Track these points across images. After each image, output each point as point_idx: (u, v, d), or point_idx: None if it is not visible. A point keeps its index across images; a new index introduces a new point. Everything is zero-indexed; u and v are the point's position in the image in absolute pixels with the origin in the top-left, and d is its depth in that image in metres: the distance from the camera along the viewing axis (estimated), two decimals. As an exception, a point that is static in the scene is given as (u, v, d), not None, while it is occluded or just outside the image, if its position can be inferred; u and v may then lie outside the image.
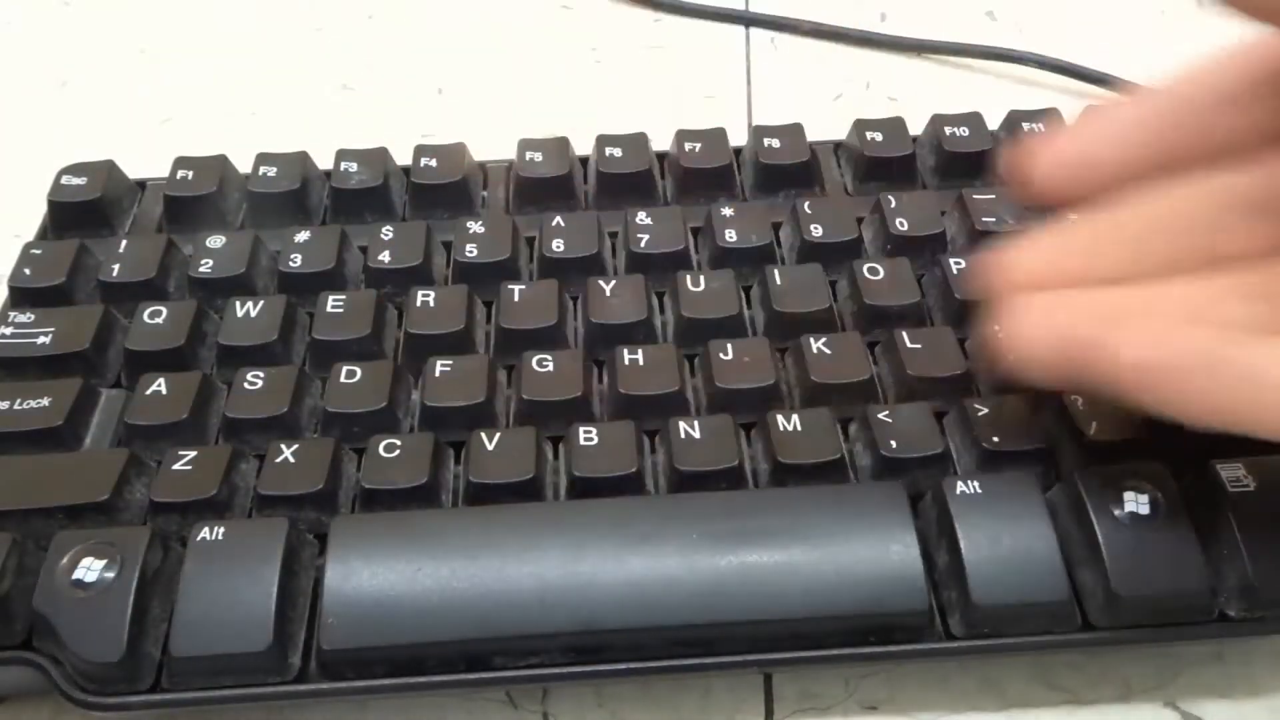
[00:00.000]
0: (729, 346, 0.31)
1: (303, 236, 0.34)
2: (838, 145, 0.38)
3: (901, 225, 0.34)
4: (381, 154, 0.37)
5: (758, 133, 0.37)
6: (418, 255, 0.33)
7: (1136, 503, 0.26)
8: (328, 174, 0.36)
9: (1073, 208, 0.25)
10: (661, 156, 0.37)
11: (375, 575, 0.26)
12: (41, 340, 0.31)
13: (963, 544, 0.26)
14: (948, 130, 0.36)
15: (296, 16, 0.50)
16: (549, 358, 0.30)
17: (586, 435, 0.29)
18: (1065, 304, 0.24)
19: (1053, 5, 0.49)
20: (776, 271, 0.32)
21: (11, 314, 0.32)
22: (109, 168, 0.36)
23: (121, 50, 0.49)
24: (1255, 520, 0.26)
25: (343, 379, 0.30)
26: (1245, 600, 0.26)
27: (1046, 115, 0.37)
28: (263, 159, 0.36)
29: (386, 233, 0.34)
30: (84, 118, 0.46)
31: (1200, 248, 0.23)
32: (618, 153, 0.36)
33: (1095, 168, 0.24)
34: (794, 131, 0.37)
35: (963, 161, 0.36)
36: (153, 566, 0.26)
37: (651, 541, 0.26)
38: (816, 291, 0.32)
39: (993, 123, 0.37)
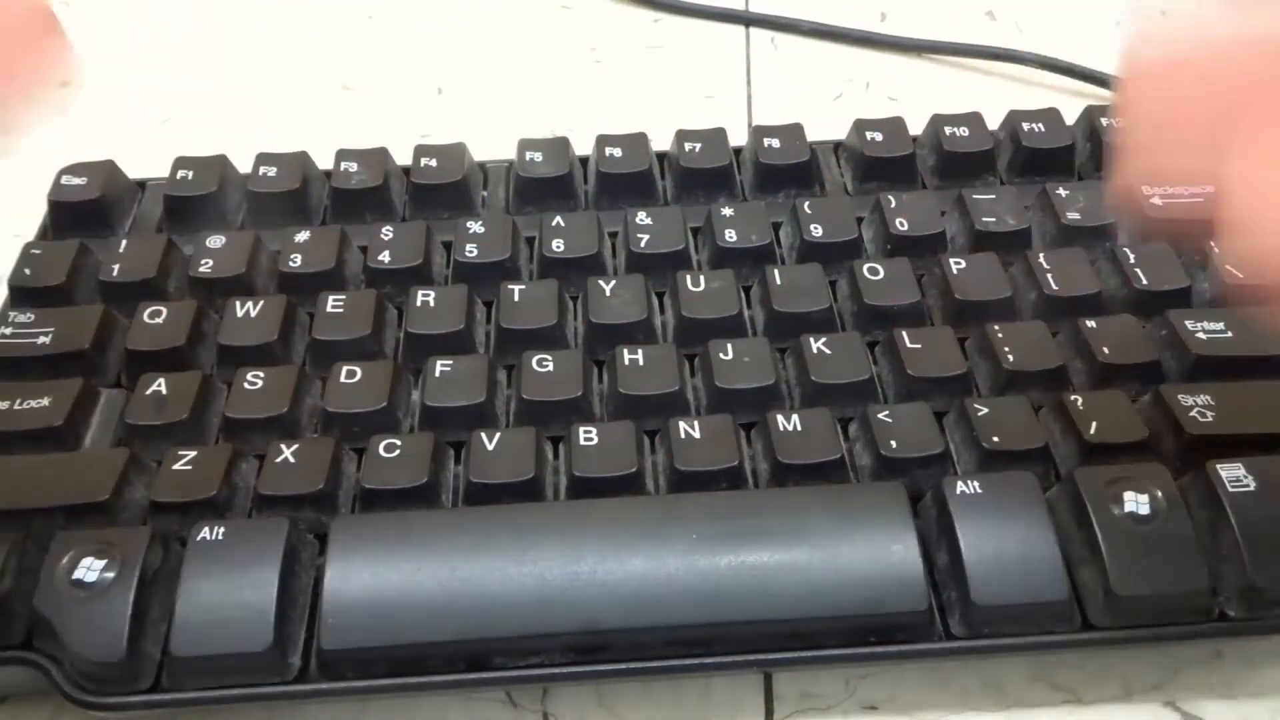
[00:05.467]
0: (729, 346, 0.31)
1: (303, 236, 0.34)
2: (838, 145, 0.38)
3: (901, 225, 0.34)
4: (381, 154, 0.37)
5: (758, 133, 0.37)
6: (418, 255, 0.33)
7: (1136, 503, 0.26)
8: (328, 174, 0.36)
9: None
10: (661, 156, 0.37)
11: (375, 575, 0.26)
12: (41, 340, 0.31)
13: (963, 544, 0.26)
14: (948, 130, 0.36)
15: (296, 16, 0.50)
16: (549, 358, 0.30)
17: (586, 435, 0.29)
18: None
19: (1053, 5, 0.49)
20: (776, 271, 0.32)
21: (11, 314, 0.32)
22: (109, 168, 0.36)
23: (121, 50, 0.49)
24: (1255, 520, 0.26)
25: (343, 379, 0.30)
26: (1245, 600, 0.26)
27: (1046, 115, 0.37)
28: (263, 159, 0.36)
29: (386, 233, 0.34)
30: (84, 118, 0.46)
31: None
32: (618, 153, 0.36)
33: None
34: (794, 131, 0.37)
35: (963, 161, 0.36)
36: (153, 566, 0.26)
37: (651, 541, 0.26)
38: (817, 291, 0.32)
39: (993, 123, 0.37)
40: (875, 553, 0.26)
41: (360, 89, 0.47)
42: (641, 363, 0.30)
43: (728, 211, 0.34)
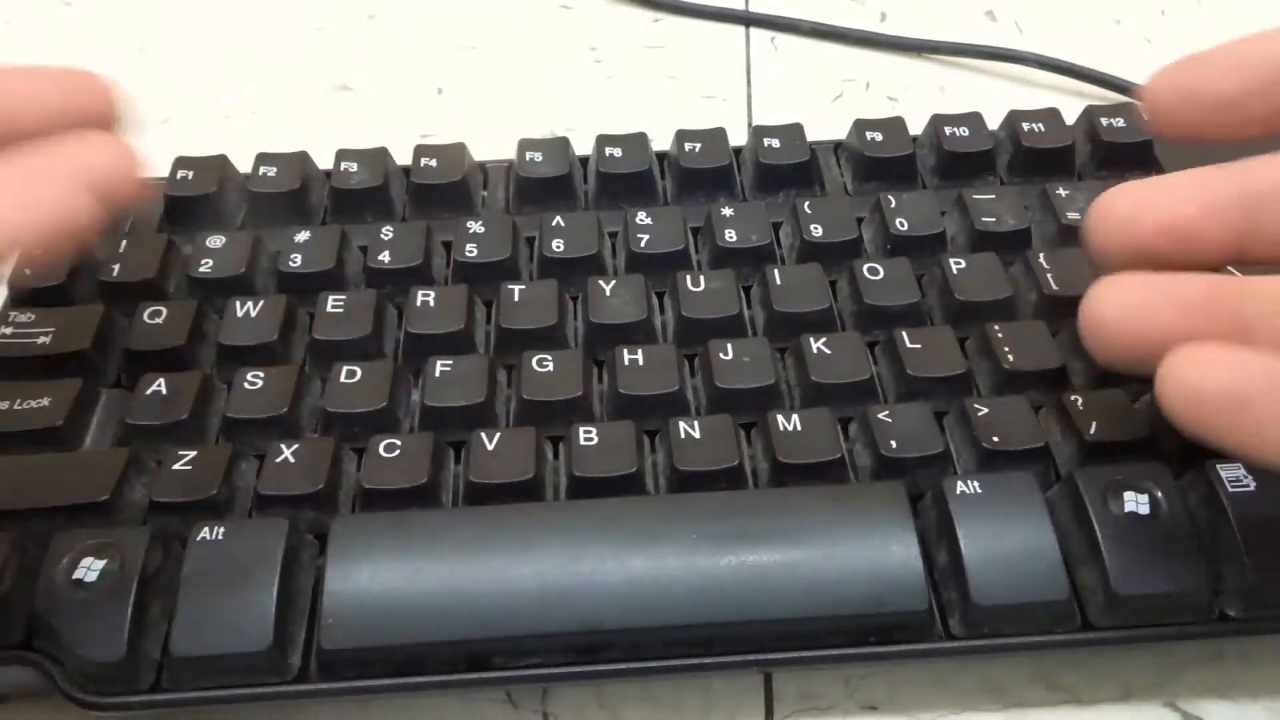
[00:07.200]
0: (729, 346, 0.31)
1: (303, 236, 0.34)
2: (838, 145, 0.38)
3: (901, 225, 0.34)
4: (381, 154, 0.37)
5: (758, 133, 0.37)
6: (418, 255, 0.33)
7: (1136, 503, 0.26)
8: (328, 174, 0.36)
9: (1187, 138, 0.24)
10: (661, 156, 0.37)
11: (375, 575, 0.26)
12: (41, 340, 0.31)
13: (963, 544, 0.26)
14: (948, 130, 0.36)
15: (296, 16, 0.50)
16: (549, 358, 0.30)
17: (586, 435, 0.29)
18: (1149, 287, 0.22)
19: (1053, 5, 0.49)
20: (776, 271, 0.32)
21: (11, 314, 0.32)
22: (109, 168, 0.36)
23: (121, 50, 0.49)
24: (1255, 520, 0.26)
25: (343, 379, 0.30)
26: (1245, 600, 0.26)
27: (1046, 115, 0.37)
28: (263, 159, 0.36)
29: (386, 233, 0.34)
30: (84, 118, 0.45)
31: None
32: (618, 153, 0.36)
33: (1209, 96, 0.23)
34: (794, 131, 0.37)
35: (963, 161, 0.36)
36: (153, 566, 0.26)
37: (651, 541, 0.26)
38: (817, 291, 0.32)
39: (993, 123, 0.37)
40: (875, 553, 0.26)
41: (360, 89, 0.47)
42: (641, 363, 0.30)
43: (728, 211, 0.34)
